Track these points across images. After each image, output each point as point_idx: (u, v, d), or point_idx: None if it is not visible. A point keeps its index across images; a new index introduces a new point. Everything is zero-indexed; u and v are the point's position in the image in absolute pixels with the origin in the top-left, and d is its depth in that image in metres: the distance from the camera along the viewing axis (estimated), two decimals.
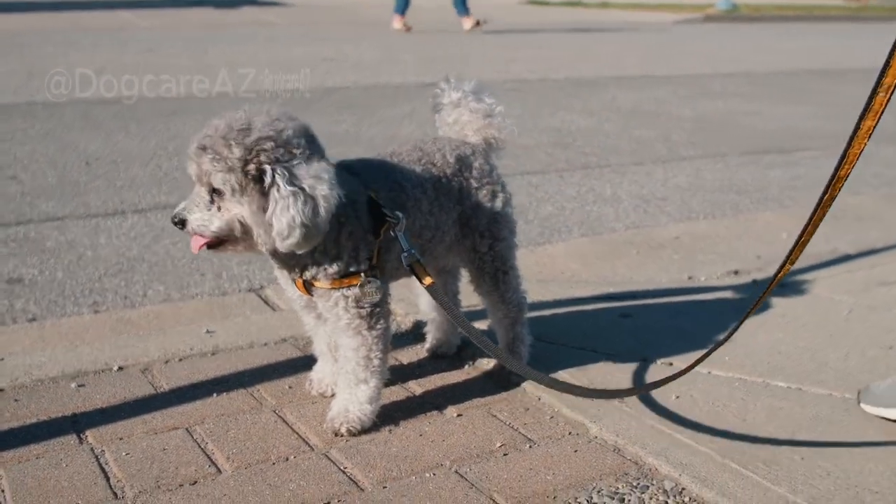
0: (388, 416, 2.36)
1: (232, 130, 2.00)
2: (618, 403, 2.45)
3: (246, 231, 2.07)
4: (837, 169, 1.72)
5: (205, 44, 12.59)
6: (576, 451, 2.22)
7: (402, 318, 3.05)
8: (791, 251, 1.78)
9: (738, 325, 1.99)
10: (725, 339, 2.22)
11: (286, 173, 1.98)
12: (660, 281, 3.86)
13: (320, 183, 2.00)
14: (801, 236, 1.77)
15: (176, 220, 2.09)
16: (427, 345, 2.80)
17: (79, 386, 2.51)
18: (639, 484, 2.08)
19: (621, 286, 3.68)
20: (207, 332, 2.90)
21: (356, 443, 2.22)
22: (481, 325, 2.87)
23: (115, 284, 3.72)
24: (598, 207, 5.20)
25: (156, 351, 2.74)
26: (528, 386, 2.54)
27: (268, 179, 1.98)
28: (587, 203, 5.28)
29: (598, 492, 2.04)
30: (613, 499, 2.02)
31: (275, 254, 2.16)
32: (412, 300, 3.13)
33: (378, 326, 2.25)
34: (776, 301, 3.36)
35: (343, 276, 2.17)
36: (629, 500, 2.01)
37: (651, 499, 2.02)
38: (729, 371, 2.72)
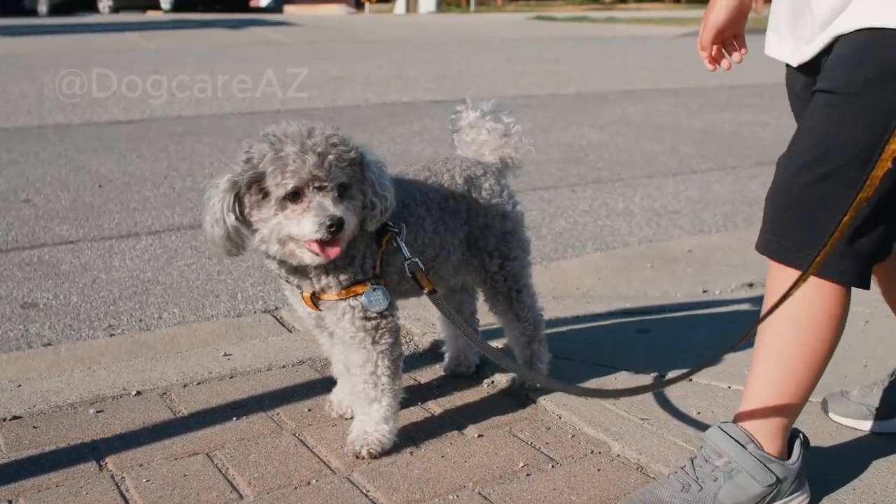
0: (408, 437, 2.35)
1: (324, 134, 2.07)
2: (639, 421, 2.43)
3: (357, 225, 2.13)
4: (859, 191, 1.69)
5: (212, 63, 12.66)
6: (599, 470, 2.20)
7: (419, 338, 3.04)
8: (805, 271, 1.76)
9: (745, 336, 1.93)
10: (730, 349, 2.13)
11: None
12: (675, 295, 3.84)
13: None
14: (816, 255, 1.74)
15: (334, 222, 2.01)
16: (445, 364, 2.79)
17: (97, 412, 2.50)
18: None
19: (637, 301, 3.66)
20: (225, 355, 2.89)
21: (378, 465, 2.21)
22: (499, 342, 2.86)
23: (130, 307, 3.72)
24: (611, 222, 5.19)
25: (174, 375, 2.73)
26: (549, 404, 2.52)
27: (369, 163, 2.15)
28: (600, 217, 5.27)
29: None
30: None
31: (295, 268, 2.18)
32: (428, 319, 3.12)
33: (383, 341, 2.24)
34: None
35: (350, 286, 2.19)
36: None
37: None
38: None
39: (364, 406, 2.27)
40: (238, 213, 2.07)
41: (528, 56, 14.84)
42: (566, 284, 4.06)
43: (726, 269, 4.23)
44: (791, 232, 1.86)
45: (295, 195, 2.02)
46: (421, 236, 2.33)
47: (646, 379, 2.74)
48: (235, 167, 2.08)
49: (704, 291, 3.91)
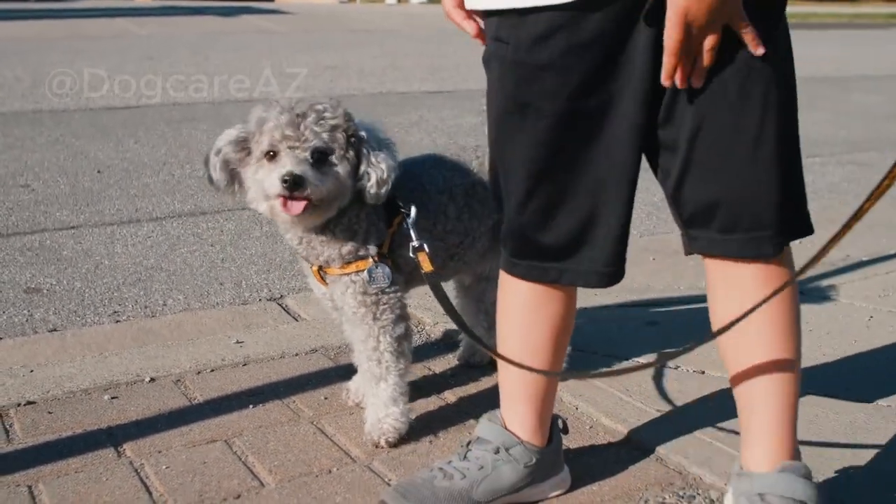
0: (426, 426, 2.35)
1: (315, 101, 2.12)
2: (656, 412, 2.44)
3: (338, 193, 2.13)
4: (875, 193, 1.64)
5: (205, 51, 12.58)
6: (618, 461, 2.20)
7: (430, 328, 3.04)
8: (807, 263, 1.71)
9: (736, 322, 1.87)
10: (716, 335, 2.05)
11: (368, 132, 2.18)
12: (678, 287, 3.85)
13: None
14: (822, 249, 1.68)
15: (290, 178, 2.02)
16: (459, 354, 2.78)
17: (112, 398, 2.49)
18: (685, 494, 2.07)
19: (642, 293, 3.67)
20: (237, 342, 2.88)
21: (398, 454, 2.21)
22: None
23: (135, 294, 3.70)
24: None
25: (187, 362, 2.72)
26: (565, 395, 2.52)
27: (363, 135, 2.15)
28: None
29: (646, 502, 2.03)
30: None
31: (301, 238, 2.22)
32: (440, 308, 3.10)
33: (384, 317, 2.24)
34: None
35: (353, 261, 2.20)
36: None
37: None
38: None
39: (372, 387, 2.28)
40: (228, 169, 2.18)
41: None
42: None
43: None
44: None
45: (272, 155, 2.08)
46: (442, 223, 2.33)
47: (657, 375, 2.75)
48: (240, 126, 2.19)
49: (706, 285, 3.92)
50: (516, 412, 1.98)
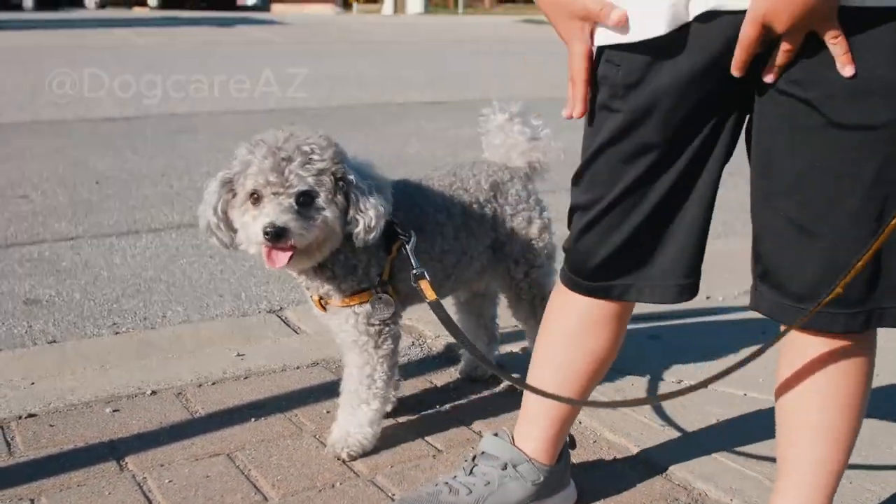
0: (429, 441, 2.34)
1: (303, 142, 2.03)
2: (660, 427, 2.43)
3: (326, 238, 2.07)
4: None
5: (205, 60, 12.59)
6: (622, 475, 2.19)
7: (431, 341, 3.03)
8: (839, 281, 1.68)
9: (764, 349, 1.86)
10: (747, 361, 2.08)
11: (359, 174, 2.10)
12: None
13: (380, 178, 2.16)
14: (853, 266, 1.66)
15: (272, 230, 1.95)
16: (461, 367, 2.78)
17: (113, 411, 2.48)
18: (671, 497, 2.06)
19: (644, 306, 3.66)
20: (238, 355, 2.87)
21: (402, 469, 2.20)
22: (521, 346, 2.86)
23: (134, 305, 3.69)
24: None
25: (188, 374, 2.71)
26: None
27: (352, 178, 2.06)
28: None
29: None
30: None
31: (300, 272, 2.18)
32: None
33: (385, 346, 2.24)
34: None
35: (354, 293, 2.18)
36: None
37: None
38: (762, 393, 2.70)
39: (351, 407, 2.26)
40: (221, 210, 2.10)
41: (520, 59, 14.85)
42: None
43: (728, 275, 4.22)
44: None
45: (256, 198, 2.01)
46: (439, 243, 2.31)
47: (668, 385, 2.74)
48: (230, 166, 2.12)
49: (708, 297, 3.92)
50: (533, 430, 1.96)
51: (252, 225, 2.01)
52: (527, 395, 1.98)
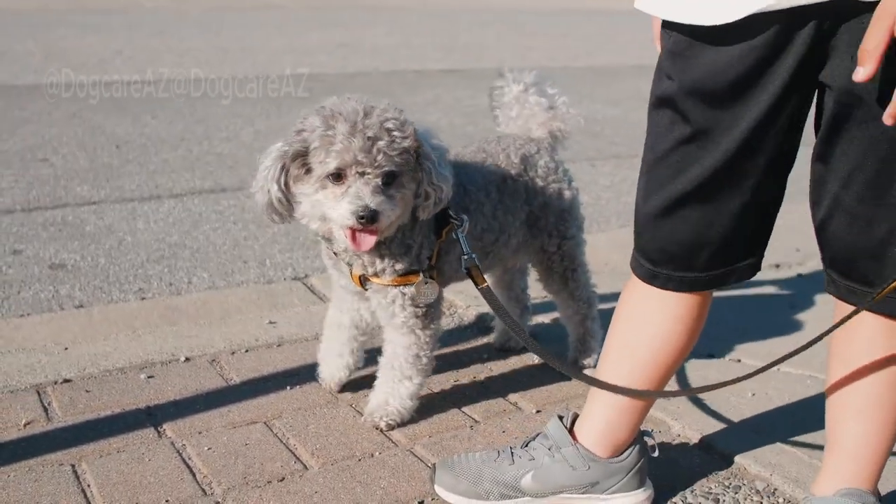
0: (465, 411, 2.33)
1: (384, 118, 1.96)
2: (695, 401, 2.41)
3: (404, 216, 2.04)
4: None
5: (217, 27, 12.50)
6: (662, 448, 2.18)
7: (463, 311, 3.02)
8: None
9: (830, 330, 1.85)
10: (812, 344, 2.08)
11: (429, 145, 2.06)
12: None
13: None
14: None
15: (366, 213, 1.90)
16: (495, 338, 2.77)
17: (148, 377, 2.47)
18: (731, 484, 2.05)
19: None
20: (270, 322, 2.86)
21: (440, 439, 2.19)
22: (551, 317, 2.84)
23: (159, 271, 3.68)
24: (633, 198, 5.14)
25: (221, 342, 2.70)
26: None
27: (428, 152, 2.03)
28: (622, 193, 5.24)
29: (692, 491, 2.01)
30: (708, 499, 1.99)
31: (348, 249, 2.09)
32: (471, 292, 3.08)
33: (432, 326, 2.23)
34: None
35: (404, 274, 2.14)
36: (724, 501, 1.98)
37: (745, 499, 2.00)
38: (798, 368, 2.69)
39: (394, 382, 2.24)
40: (283, 184, 2.00)
41: (536, 28, 14.72)
42: (595, 260, 3.97)
43: None
44: None
45: (337, 176, 1.94)
46: (481, 222, 2.28)
47: (697, 364, 2.72)
48: (288, 136, 2.01)
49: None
50: (586, 419, 1.93)
51: (338, 206, 1.93)
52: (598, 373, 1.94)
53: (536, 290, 2.81)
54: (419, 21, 14.96)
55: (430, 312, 2.20)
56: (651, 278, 1.76)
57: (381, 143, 1.92)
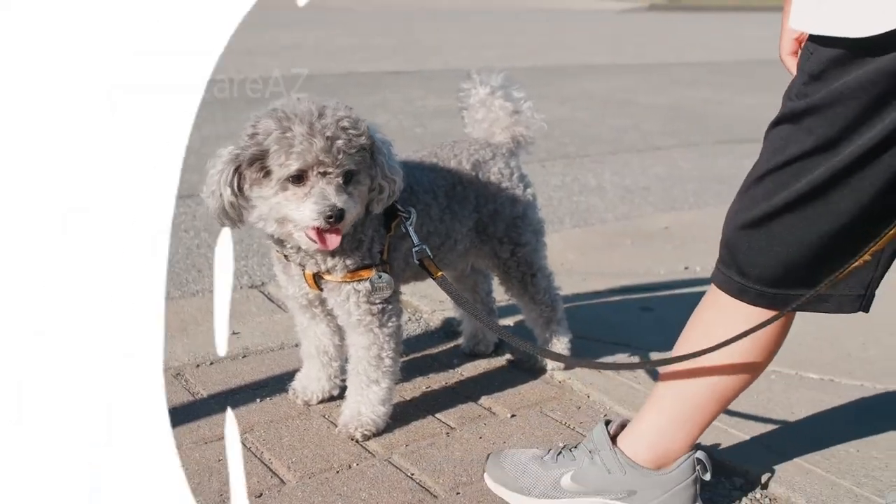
0: (440, 419, 2.31)
1: (338, 117, 1.93)
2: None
3: (360, 212, 2.04)
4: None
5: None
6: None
7: (429, 316, 3.00)
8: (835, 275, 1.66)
9: (752, 330, 1.83)
10: (728, 342, 1.84)
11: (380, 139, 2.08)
12: (658, 272, 3.87)
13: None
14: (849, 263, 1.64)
15: (334, 213, 1.91)
16: (463, 342, 2.75)
17: None
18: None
19: (628, 278, 3.67)
20: (233, 333, 2.81)
21: (417, 448, 2.17)
22: (518, 319, 2.84)
23: None
24: (585, 198, 5.20)
25: (183, 354, 2.64)
26: (575, 384, 2.51)
27: (380, 147, 2.04)
28: (573, 193, 5.28)
29: None
30: None
31: (300, 248, 2.09)
32: (436, 297, 3.08)
33: (389, 324, 2.20)
34: None
35: (356, 269, 2.12)
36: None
37: (724, 496, 2.01)
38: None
39: (361, 388, 2.22)
40: (237, 187, 1.97)
41: (489, 28, 14.77)
42: (550, 260, 4.02)
43: (704, 245, 4.27)
44: None
45: (298, 178, 1.92)
46: (427, 224, 2.27)
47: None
48: (240, 140, 1.97)
49: (686, 268, 3.95)
50: (639, 418, 1.91)
51: (302, 207, 1.92)
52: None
53: (500, 294, 2.81)
54: (373, 22, 14.91)
55: (386, 309, 2.18)
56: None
57: (339, 143, 1.92)
